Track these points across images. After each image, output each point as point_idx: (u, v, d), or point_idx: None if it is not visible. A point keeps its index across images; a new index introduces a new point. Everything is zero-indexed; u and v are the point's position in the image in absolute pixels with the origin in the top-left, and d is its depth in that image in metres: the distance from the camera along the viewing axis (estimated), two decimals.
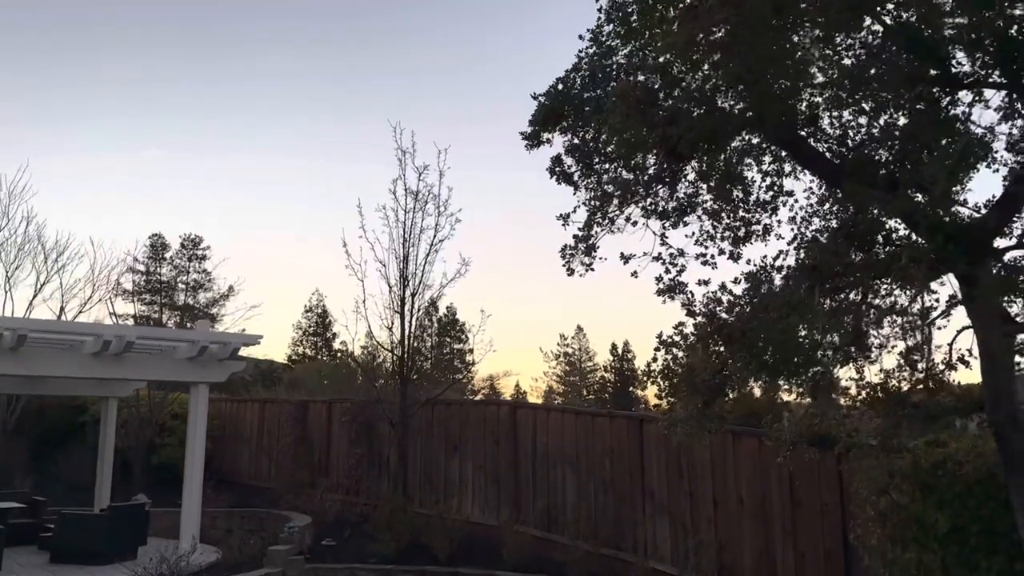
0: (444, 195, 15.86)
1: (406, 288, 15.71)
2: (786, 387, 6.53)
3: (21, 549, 13.70)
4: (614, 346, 74.58)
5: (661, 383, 6.92)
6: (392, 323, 15.74)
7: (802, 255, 6.57)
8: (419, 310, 15.82)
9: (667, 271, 7.06)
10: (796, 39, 7.06)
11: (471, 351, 17.28)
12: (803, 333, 5.73)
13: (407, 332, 15.65)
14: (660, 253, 7.09)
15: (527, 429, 14.47)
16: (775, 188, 7.83)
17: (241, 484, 19.94)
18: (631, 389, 72.97)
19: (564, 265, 7.32)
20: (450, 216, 15.82)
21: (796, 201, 8.33)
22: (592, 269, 7.37)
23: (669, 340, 6.79)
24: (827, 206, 8.37)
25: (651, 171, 7.03)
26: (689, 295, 6.95)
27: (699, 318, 6.70)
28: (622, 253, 6.79)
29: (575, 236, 7.28)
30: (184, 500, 13.48)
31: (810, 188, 8.37)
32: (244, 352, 14.59)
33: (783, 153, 7.68)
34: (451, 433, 15.92)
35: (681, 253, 7.09)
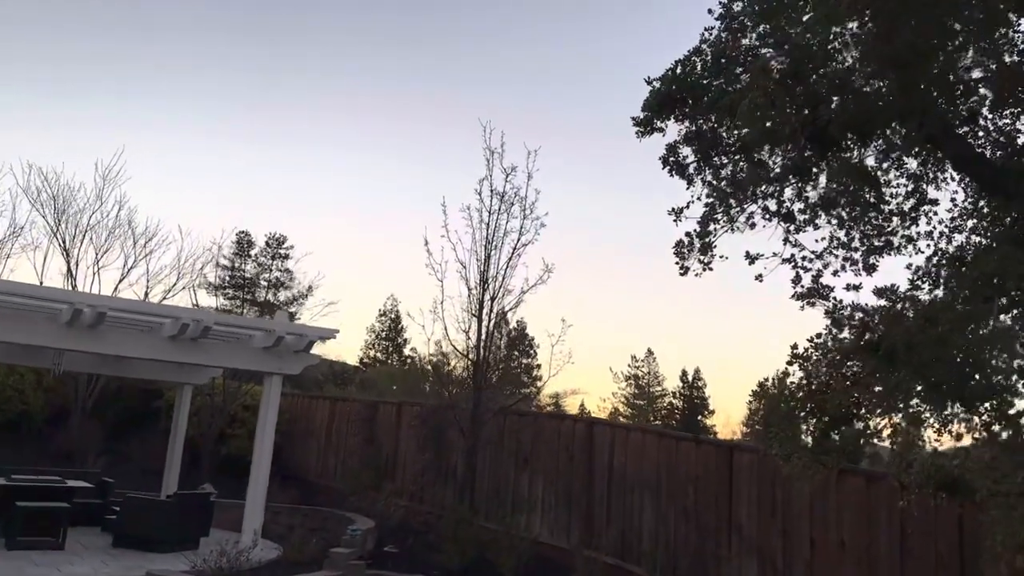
0: (531, 198, 15.26)
1: (485, 291, 15.13)
2: (959, 416, 5.61)
3: (85, 530, 13.62)
4: (684, 372, 72.83)
5: (788, 404, 6.06)
6: (469, 326, 15.18)
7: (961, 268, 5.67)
8: (497, 315, 15.21)
9: (798, 276, 6.25)
10: (957, 26, 6.20)
11: (539, 366, 16.64)
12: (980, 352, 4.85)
13: (483, 337, 15.06)
14: (793, 255, 6.30)
15: (603, 447, 13.67)
16: (918, 195, 6.93)
17: (307, 481, 19.68)
18: (699, 418, 71.01)
19: (677, 263, 6.60)
20: (535, 220, 15.19)
21: (935, 214, 7.43)
22: (710, 268, 6.63)
23: (805, 353, 5.96)
24: (972, 222, 7.44)
25: (778, 167, 6.24)
26: (835, 301, 6.11)
27: (846, 330, 5.84)
28: (747, 252, 6.08)
29: (688, 233, 6.54)
30: (249, 493, 13.18)
31: (954, 199, 7.46)
32: (317, 350, 14.29)
33: (929, 156, 6.79)
34: (522, 446, 15.24)
35: (819, 256, 6.26)
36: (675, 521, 12.21)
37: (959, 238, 7.42)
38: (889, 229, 6.99)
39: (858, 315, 5.87)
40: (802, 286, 6.27)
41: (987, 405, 5.24)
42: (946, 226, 7.49)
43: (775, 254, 6.28)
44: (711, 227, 6.54)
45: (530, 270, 15.54)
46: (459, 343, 15.41)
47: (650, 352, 74.96)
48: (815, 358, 5.94)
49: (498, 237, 15.19)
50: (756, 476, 11.31)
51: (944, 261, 6.94)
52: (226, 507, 14.82)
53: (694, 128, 6.81)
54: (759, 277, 6.34)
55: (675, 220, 6.77)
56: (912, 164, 7.22)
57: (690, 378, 73.60)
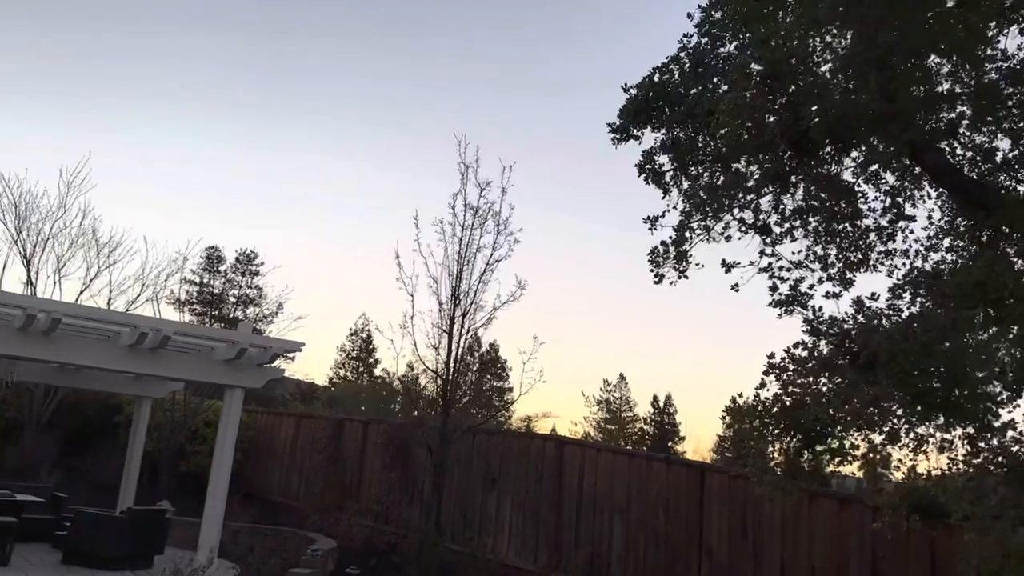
0: (505, 213, 15.10)
1: (457, 307, 14.89)
2: (938, 432, 5.45)
3: (35, 546, 13.02)
4: (655, 398, 72.87)
5: (761, 420, 5.88)
6: (439, 342, 14.91)
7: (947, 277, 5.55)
8: (468, 332, 14.97)
9: (775, 286, 6.11)
10: (941, 45, 6.15)
11: (510, 390, 16.32)
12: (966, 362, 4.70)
13: (454, 353, 14.80)
14: (771, 264, 6.15)
15: (573, 468, 13.42)
16: (895, 210, 6.85)
17: (269, 500, 19.18)
18: (670, 443, 70.90)
19: (652, 270, 6.43)
20: (509, 235, 15.02)
21: (912, 232, 7.36)
22: (685, 276, 6.48)
23: (782, 363, 5.79)
24: (948, 240, 7.37)
25: (755, 178, 6.11)
26: (814, 310, 5.96)
27: (823, 341, 5.69)
28: (724, 260, 5.89)
29: (664, 242, 6.39)
30: (206, 510, 12.71)
31: (930, 217, 7.39)
32: (286, 369, 13.94)
33: (907, 171, 6.71)
34: (490, 465, 14.94)
35: (797, 266, 6.13)
36: (645, 544, 11.98)
37: (935, 256, 7.35)
38: (865, 244, 6.90)
39: (836, 326, 5.73)
40: (780, 294, 6.13)
41: (970, 417, 5.09)
42: (922, 244, 7.42)
43: (752, 263, 6.15)
44: (687, 235, 6.41)
45: (503, 286, 15.30)
46: (429, 359, 15.15)
47: (622, 377, 74.85)
48: (792, 369, 5.78)
49: (471, 252, 15.01)
50: (728, 498, 11.13)
51: (921, 278, 6.85)
52: (184, 525, 14.31)
53: (671, 136, 6.70)
54: (735, 287, 6.20)
55: (650, 228, 6.63)
56: (890, 179, 7.16)
57: (661, 404, 73.68)
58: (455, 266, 14.97)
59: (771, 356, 5.85)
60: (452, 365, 14.74)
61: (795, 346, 5.84)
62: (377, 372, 50.45)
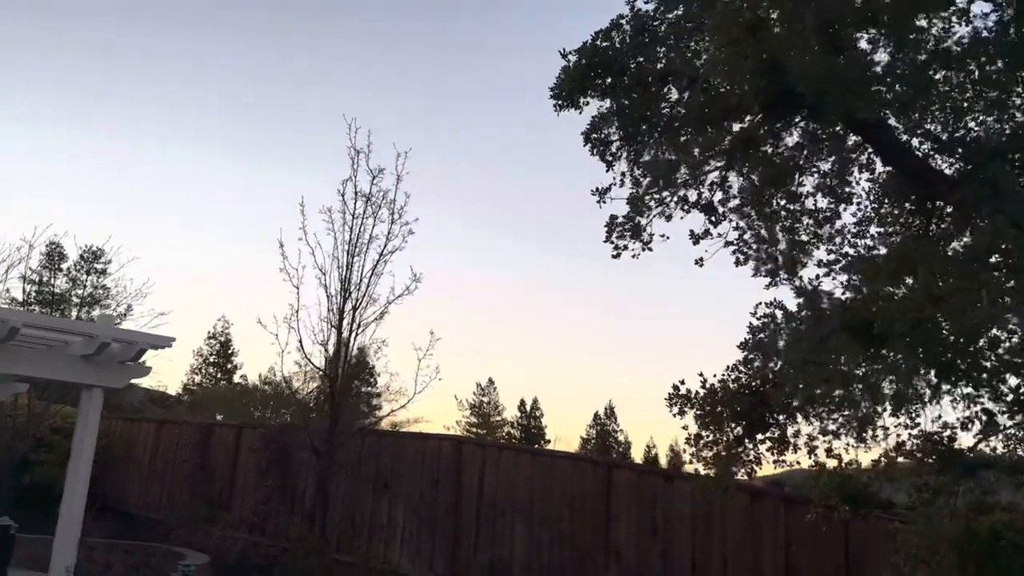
0: (400, 201, 14.30)
1: (347, 300, 13.96)
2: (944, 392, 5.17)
3: None
4: (522, 402, 73.50)
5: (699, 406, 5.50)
6: (328, 338, 13.91)
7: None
8: (359, 326, 14.02)
9: (738, 261, 5.77)
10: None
11: (378, 395, 15.45)
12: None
13: (345, 349, 13.84)
14: (742, 235, 5.81)
15: (473, 469, 12.78)
16: (833, 195, 6.70)
17: (125, 513, 17.42)
18: (536, 446, 71.52)
19: (608, 241, 5.94)
20: (404, 225, 14.24)
21: (839, 217, 7.26)
22: (649, 249, 6.03)
23: (759, 326, 5.40)
24: (872, 228, 7.32)
25: (716, 150, 5.75)
26: (804, 280, 5.64)
27: (809, 311, 5.36)
28: (692, 231, 5.49)
29: (613, 216, 5.92)
30: (60, 526, 11.18)
31: (859, 204, 7.31)
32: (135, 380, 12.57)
33: (850, 154, 6.55)
34: (382, 469, 14.06)
35: (769, 238, 5.80)
36: (550, 546, 11.50)
37: (862, 243, 7.28)
38: (802, 227, 6.72)
39: (830, 298, 5.45)
40: (765, 267, 5.80)
41: (988, 386, 4.88)
42: (849, 231, 7.35)
43: (720, 235, 5.81)
44: (641, 208, 5.99)
45: (397, 279, 14.47)
46: (316, 356, 14.13)
47: (491, 381, 75.00)
48: (770, 343, 5.44)
49: (362, 242, 14.11)
50: (636, 495, 10.85)
51: (854, 261, 6.74)
52: (30, 542, 12.63)
53: (616, 105, 6.26)
54: (700, 261, 5.84)
55: (599, 201, 6.18)
56: (824, 167, 7.01)
57: (528, 408, 74.35)
58: (344, 256, 14.05)
59: (750, 325, 5.51)
60: (342, 362, 13.78)
61: (767, 316, 5.52)
62: (237, 378, 47.69)
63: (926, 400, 5.16)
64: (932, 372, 4.72)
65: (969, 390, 4.91)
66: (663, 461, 51.57)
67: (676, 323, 63.37)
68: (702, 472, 6.79)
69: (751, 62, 4.83)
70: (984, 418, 5.18)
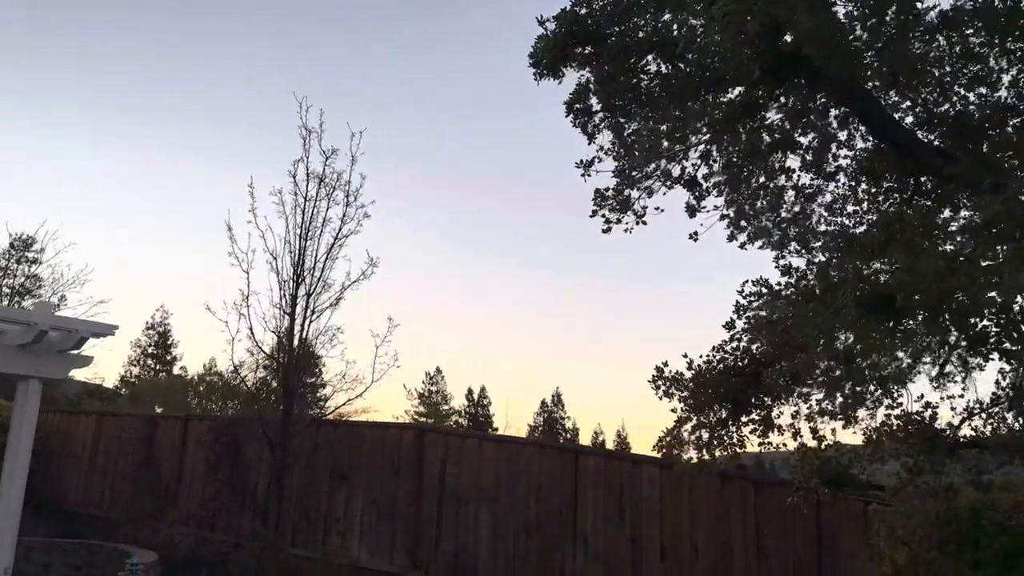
0: (356, 183, 13.82)
1: (300, 285, 13.45)
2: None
3: None
4: (470, 391, 73.31)
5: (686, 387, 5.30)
6: (280, 325, 13.39)
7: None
8: (313, 313, 13.54)
9: (732, 236, 5.57)
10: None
11: (323, 385, 14.99)
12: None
13: (298, 336, 13.35)
14: (739, 206, 5.60)
15: (435, 458, 12.45)
16: (814, 169, 6.56)
17: (64, 511, 16.59)
18: (503, 435, 71.40)
19: (598, 214, 5.68)
20: (360, 207, 13.76)
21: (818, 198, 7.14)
22: (643, 223, 5.77)
23: (756, 293, 5.20)
24: (851, 206, 7.22)
25: (681, 126, 5.53)
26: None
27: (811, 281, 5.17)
28: (687, 203, 5.26)
29: (597, 190, 5.67)
30: None
31: (836, 182, 7.20)
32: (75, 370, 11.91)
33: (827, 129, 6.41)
34: (338, 459, 13.62)
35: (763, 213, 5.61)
36: (515, 535, 11.26)
37: (837, 221, 7.18)
38: (784, 204, 6.58)
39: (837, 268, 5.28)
40: (773, 236, 5.61)
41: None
42: (824, 208, 7.25)
43: (716, 207, 5.61)
44: (629, 183, 5.75)
45: (354, 264, 14.02)
46: (268, 344, 13.61)
47: (439, 370, 74.54)
48: (767, 317, 5.26)
49: (316, 226, 13.61)
50: (603, 482, 10.67)
51: (832, 239, 6.62)
52: None
53: (600, 74, 5.99)
54: (694, 236, 5.63)
55: (583, 174, 5.91)
56: (804, 140, 6.87)
57: (475, 397, 74.19)
58: (297, 240, 13.54)
59: (741, 291, 5.31)
60: (296, 349, 13.29)
61: (764, 287, 5.34)
62: (176, 369, 46.27)
63: (954, 379, 5.04)
64: (963, 343, 4.58)
65: (1002, 364, 4.79)
66: (610, 446, 51.88)
67: (625, 310, 63.72)
68: (684, 458, 6.60)
69: (755, 22, 4.62)
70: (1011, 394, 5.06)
